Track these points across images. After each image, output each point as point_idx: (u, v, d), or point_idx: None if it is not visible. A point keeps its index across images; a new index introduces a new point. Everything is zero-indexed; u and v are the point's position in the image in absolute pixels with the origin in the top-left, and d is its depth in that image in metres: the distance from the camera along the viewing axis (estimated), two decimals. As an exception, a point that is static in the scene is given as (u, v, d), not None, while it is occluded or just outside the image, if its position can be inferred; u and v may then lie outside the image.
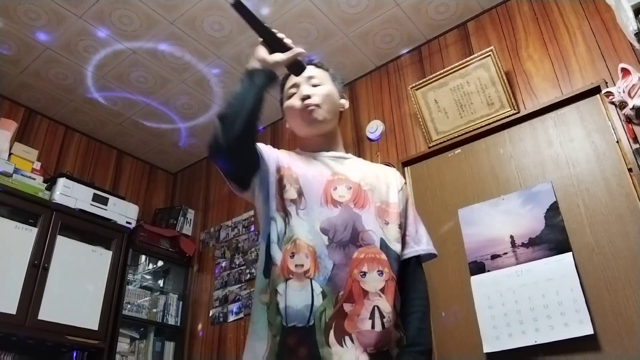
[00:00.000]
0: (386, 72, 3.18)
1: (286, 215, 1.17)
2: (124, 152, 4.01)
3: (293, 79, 1.34)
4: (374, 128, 3.02)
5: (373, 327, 1.07)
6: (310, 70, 1.34)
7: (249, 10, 1.20)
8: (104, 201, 3.26)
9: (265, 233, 1.19)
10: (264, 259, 1.17)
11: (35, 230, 2.82)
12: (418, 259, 1.28)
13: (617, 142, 2.14)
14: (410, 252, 1.26)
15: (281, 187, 1.20)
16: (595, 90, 2.28)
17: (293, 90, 1.33)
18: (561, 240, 2.13)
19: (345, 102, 1.40)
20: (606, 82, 2.24)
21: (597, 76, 2.30)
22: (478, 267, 2.31)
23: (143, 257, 3.64)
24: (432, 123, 2.74)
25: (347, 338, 1.04)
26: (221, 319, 3.28)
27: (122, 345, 3.14)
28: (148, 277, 3.62)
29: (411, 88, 2.81)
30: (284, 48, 1.20)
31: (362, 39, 3.02)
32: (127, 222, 3.34)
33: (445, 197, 2.58)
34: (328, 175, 1.25)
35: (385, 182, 1.31)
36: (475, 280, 2.29)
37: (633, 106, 2.03)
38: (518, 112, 2.49)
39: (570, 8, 2.52)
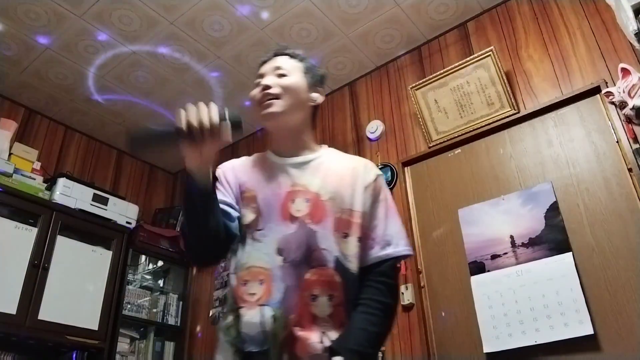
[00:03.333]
0: (386, 72, 3.18)
1: (243, 242, 1.15)
2: (124, 152, 4.00)
3: (262, 69, 1.28)
4: (374, 128, 3.02)
5: (324, 351, 1.06)
6: (279, 60, 1.28)
7: (147, 136, 1.02)
8: (104, 201, 3.26)
9: (228, 264, 1.20)
10: (229, 288, 1.18)
11: (35, 230, 2.82)
12: (386, 262, 1.18)
13: (617, 142, 2.14)
14: (374, 257, 1.17)
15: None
16: (595, 90, 2.28)
17: (258, 80, 1.27)
18: (561, 240, 2.13)
19: (317, 97, 1.30)
20: (606, 82, 2.24)
21: (597, 76, 2.30)
22: (478, 267, 2.31)
23: (143, 257, 3.64)
24: (432, 123, 2.74)
25: None
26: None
27: (122, 345, 3.14)
28: (148, 277, 3.62)
29: (411, 88, 2.81)
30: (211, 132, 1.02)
31: (362, 39, 3.02)
32: (127, 222, 3.34)
33: (445, 197, 2.58)
34: (287, 187, 1.19)
35: (350, 183, 1.21)
36: (475, 280, 2.29)
37: (633, 106, 2.03)
38: (518, 112, 2.49)
39: (570, 8, 2.52)
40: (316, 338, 1.05)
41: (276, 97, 1.22)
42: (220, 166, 1.28)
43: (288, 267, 1.09)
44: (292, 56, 1.30)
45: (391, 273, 1.18)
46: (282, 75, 1.25)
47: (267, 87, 1.22)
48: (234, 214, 1.16)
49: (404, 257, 1.22)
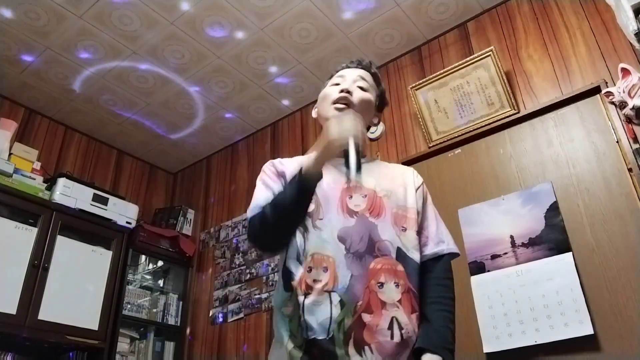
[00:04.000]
0: (386, 72, 3.18)
1: (304, 229, 1.17)
2: (124, 152, 4.01)
3: (345, 72, 1.38)
4: (374, 128, 3.00)
5: (392, 337, 1.07)
6: (363, 72, 1.38)
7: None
8: (104, 201, 3.26)
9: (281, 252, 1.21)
10: (282, 274, 1.18)
11: (35, 230, 2.82)
12: (442, 258, 1.26)
13: (617, 142, 2.14)
14: (429, 253, 1.25)
15: None
16: (595, 90, 2.28)
17: (339, 80, 1.36)
18: (561, 240, 2.13)
19: (377, 120, 1.42)
20: (606, 82, 2.24)
21: (597, 76, 2.30)
22: (478, 267, 2.31)
23: (143, 257, 3.64)
24: (432, 123, 2.74)
25: (366, 348, 1.05)
26: (221, 319, 3.28)
27: (122, 345, 3.14)
28: (148, 277, 3.62)
29: (411, 88, 2.81)
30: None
31: (362, 39, 3.02)
32: (127, 222, 3.34)
33: (445, 197, 2.57)
34: (343, 184, 1.23)
35: (402, 184, 1.30)
36: (475, 280, 2.29)
37: (633, 106, 2.03)
38: (518, 112, 2.49)
39: (570, 8, 2.52)
40: (385, 324, 1.07)
41: (352, 104, 1.30)
42: (270, 162, 1.34)
43: (352, 257, 1.12)
44: (373, 76, 1.41)
45: (450, 269, 1.26)
46: (361, 88, 1.34)
47: (349, 92, 1.31)
48: None
49: (455, 255, 1.29)
